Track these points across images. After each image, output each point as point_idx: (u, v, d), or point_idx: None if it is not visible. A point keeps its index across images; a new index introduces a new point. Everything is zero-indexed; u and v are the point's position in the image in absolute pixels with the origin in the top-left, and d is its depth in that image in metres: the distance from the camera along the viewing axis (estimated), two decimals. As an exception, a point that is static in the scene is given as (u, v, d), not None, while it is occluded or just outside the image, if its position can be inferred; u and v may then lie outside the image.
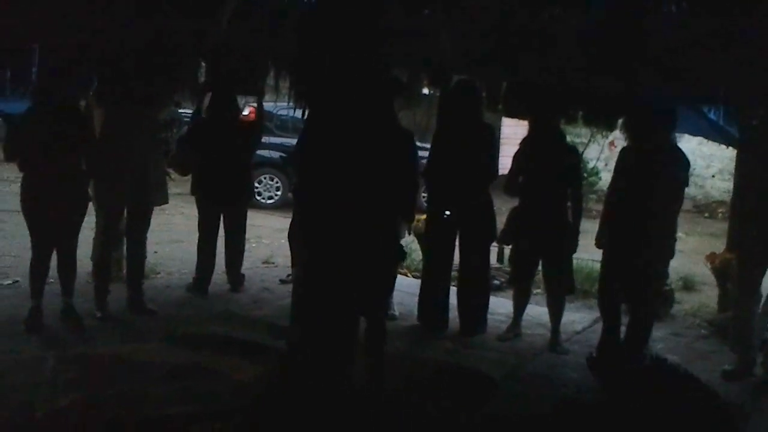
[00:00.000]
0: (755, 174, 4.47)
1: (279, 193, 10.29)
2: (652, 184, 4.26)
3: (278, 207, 9.86)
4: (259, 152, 7.54)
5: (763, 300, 4.69)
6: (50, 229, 4.48)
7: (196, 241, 5.62)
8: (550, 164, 4.71)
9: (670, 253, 4.46)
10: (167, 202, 5.38)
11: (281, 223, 7.99)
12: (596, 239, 4.61)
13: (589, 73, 4.50)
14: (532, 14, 4.22)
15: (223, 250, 5.69)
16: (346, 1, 3.42)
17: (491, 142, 4.92)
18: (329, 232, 3.53)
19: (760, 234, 4.35)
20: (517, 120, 8.72)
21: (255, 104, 6.08)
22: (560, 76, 4.63)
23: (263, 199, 10.03)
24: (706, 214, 11.62)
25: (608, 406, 3.44)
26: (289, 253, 6.52)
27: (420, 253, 5.76)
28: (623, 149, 4.63)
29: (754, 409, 4.06)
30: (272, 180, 10.28)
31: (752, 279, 4.48)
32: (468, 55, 4.72)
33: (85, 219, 4.63)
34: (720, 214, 11.15)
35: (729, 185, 10.42)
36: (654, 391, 3.34)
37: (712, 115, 5.37)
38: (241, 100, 6.06)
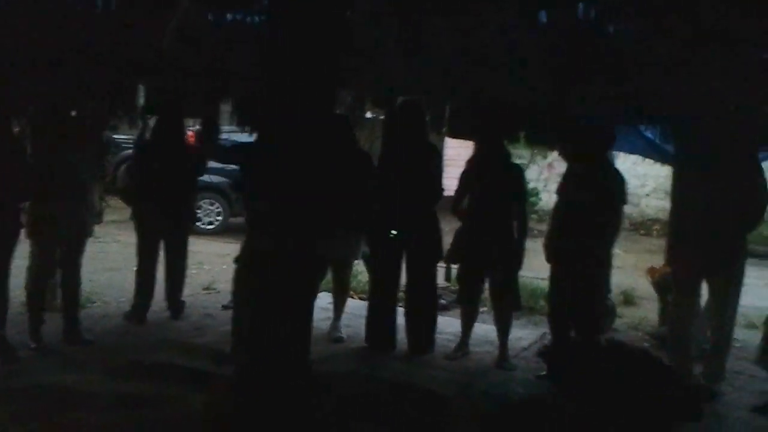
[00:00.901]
0: (688, 190, 4.61)
1: (219, 218, 10.11)
2: (589, 202, 4.38)
3: (219, 233, 9.69)
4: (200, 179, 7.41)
5: (701, 312, 4.85)
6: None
7: (133, 269, 5.48)
8: (496, 183, 4.78)
9: (609, 268, 4.62)
10: (101, 222, 5.22)
11: (222, 248, 7.85)
12: (546, 255, 4.75)
13: (531, 92, 4.61)
14: (475, 36, 4.29)
15: (163, 276, 5.54)
16: (303, 22, 3.40)
17: (436, 162, 4.94)
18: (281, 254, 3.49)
19: (693, 248, 4.48)
20: (460, 142, 8.85)
21: (199, 128, 5.97)
22: (503, 96, 4.73)
23: (203, 224, 9.82)
24: (642, 232, 11.96)
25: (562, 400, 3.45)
26: (230, 278, 6.47)
27: (366, 275, 5.74)
28: (567, 168, 4.77)
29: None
30: (212, 205, 10.10)
31: (688, 291, 4.62)
32: (413, 76, 4.77)
33: (19, 247, 4.44)
34: (655, 232, 11.49)
35: (663, 203, 10.78)
36: (613, 372, 3.35)
37: (648, 134, 5.54)
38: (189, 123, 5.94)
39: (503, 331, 4.88)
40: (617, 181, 4.63)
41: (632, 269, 7.47)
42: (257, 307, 3.57)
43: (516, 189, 4.89)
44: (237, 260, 4.18)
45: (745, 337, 5.32)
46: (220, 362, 4.30)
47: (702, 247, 4.40)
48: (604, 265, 4.71)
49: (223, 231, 9.74)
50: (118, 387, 3.88)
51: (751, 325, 5.46)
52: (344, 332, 5.22)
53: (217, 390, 3.77)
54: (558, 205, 4.76)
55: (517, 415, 3.45)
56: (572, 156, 4.75)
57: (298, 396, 3.53)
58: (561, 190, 4.75)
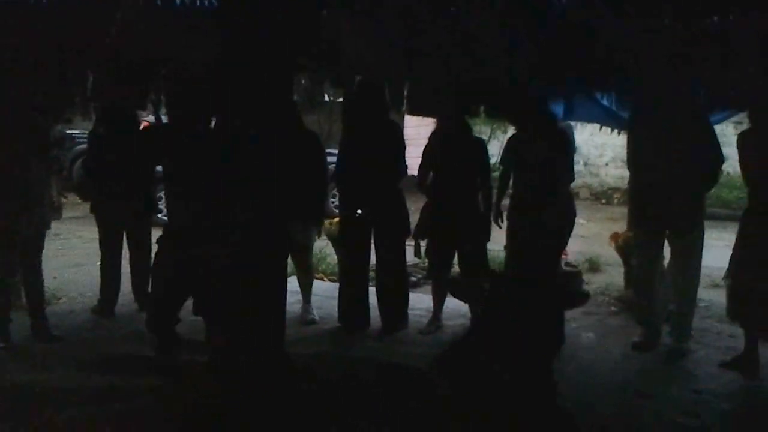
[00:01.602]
0: (645, 154, 4.70)
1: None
2: (537, 167, 4.55)
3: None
4: (159, 168, 7.27)
5: (665, 274, 4.95)
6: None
7: (98, 263, 5.38)
8: (459, 157, 4.80)
9: (570, 228, 4.72)
10: (60, 217, 5.11)
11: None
12: (493, 217, 4.94)
13: (490, 65, 4.62)
14: (430, 12, 4.28)
15: (128, 269, 5.46)
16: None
17: (398, 138, 4.93)
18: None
19: (653, 211, 4.57)
20: (419, 120, 8.86)
21: (152, 117, 5.86)
22: (461, 71, 4.73)
23: (165, 215, 9.64)
24: (603, 201, 12.16)
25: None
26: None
27: (335, 257, 5.73)
28: (512, 136, 4.85)
29: (665, 377, 4.25)
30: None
31: (650, 254, 4.72)
32: (370, 55, 4.74)
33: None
34: (616, 200, 11.69)
35: (622, 172, 10.93)
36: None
37: (604, 102, 5.60)
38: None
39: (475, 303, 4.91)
40: (566, 143, 4.86)
41: (595, 237, 7.59)
42: (227, 292, 3.55)
43: (479, 162, 4.92)
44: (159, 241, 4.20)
45: (709, 296, 5.45)
46: (192, 351, 4.27)
47: (661, 210, 4.49)
48: (562, 226, 4.81)
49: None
50: (90, 381, 3.82)
51: (714, 285, 5.58)
52: (316, 314, 5.20)
53: (192, 378, 3.76)
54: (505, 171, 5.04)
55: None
56: (517, 124, 4.87)
57: (274, 378, 3.53)
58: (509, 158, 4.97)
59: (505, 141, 11.41)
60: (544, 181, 4.63)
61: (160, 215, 8.72)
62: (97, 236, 5.35)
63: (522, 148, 4.79)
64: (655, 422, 3.61)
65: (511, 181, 4.98)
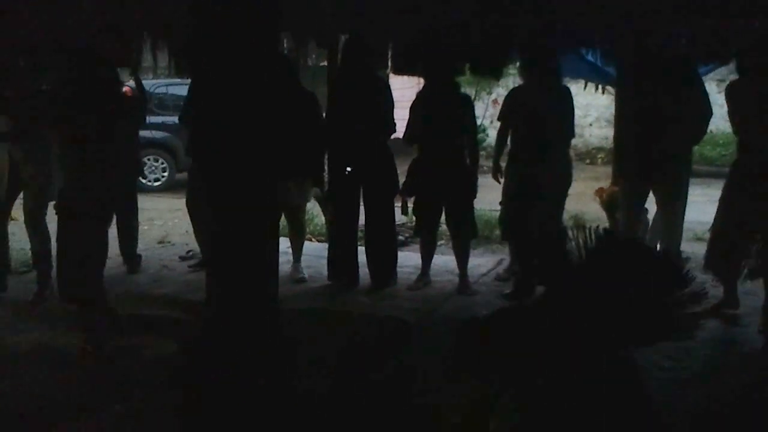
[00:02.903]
0: (632, 108, 4.74)
1: (165, 174, 9.93)
2: (545, 120, 4.51)
3: (166, 189, 9.53)
4: (142, 133, 7.23)
5: (649, 226, 5.03)
6: None
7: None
8: (446, 114, 4.81)
9: (568, 182, 4.75)
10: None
11: (171, 204, 7.73)
12: (492, 173, 4.96)
13: (472, 23, 4.62)
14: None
15: (116, 232, 5.45)
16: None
17: (386, 94, 4.92)
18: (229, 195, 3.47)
19: (639, 163, 4.62)
20: (404, 82, 8.83)
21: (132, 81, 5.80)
22: (445, 28, 4.72)
23: (149, 181, 9.64)
24: (587, 161, 12.23)
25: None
26: (184, 231, 6.40)
27: (322, 217, 5.75)
28: (513, 90, 4.84)
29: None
30: (157, 161, 9.90)
31: (636, 207, 4.79)
32: (352, 13, 4.72)
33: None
34: (600, 160, 11.77)
35: (606, 132, 11.01)
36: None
37: (589, 57, 5.63)
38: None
39: (462, 258, 4.97)
40: (569, 99, 4.81)
41: (579, 196, 7.63)
42: (223, 250, 3.57)
43: (466, 119, 4.93)
44: None
45: (692, 249, 5.52)
46: (184, 310, 4.32)
47: (648, 161, 4.54)
48: (561, 180, 4.82)
49: (170, 187, 9.57)
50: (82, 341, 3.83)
51: (697, 238, 5.67)
52: (306, 273, 5.24)
53: (187, 334, 3.80)
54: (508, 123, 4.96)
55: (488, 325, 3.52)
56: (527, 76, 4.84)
57: (268, 334, 3.57)
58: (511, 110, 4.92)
59: (489, 102, 11.47)
60: (550, 134, 4.62)
61: (145, 180, 8.83)
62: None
63: (528, 100, 4.74)
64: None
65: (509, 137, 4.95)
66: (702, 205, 5.04)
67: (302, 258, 5.33)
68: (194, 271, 5.26)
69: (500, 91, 10.44)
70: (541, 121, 4.56)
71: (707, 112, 4.56)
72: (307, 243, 5.61)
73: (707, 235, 4.53)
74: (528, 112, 4.66)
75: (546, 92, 4.63)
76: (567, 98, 4.76)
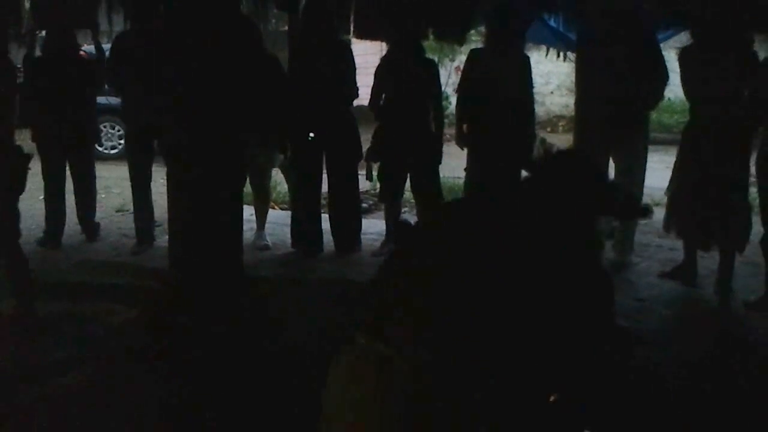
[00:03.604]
0: (591, 73, 4.77)
1: (122, 142, 9.69)
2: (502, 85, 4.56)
3: (123, 157, 9.28)
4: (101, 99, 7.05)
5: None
6: None
7: (40, 198, 5.27)
8: (411, 79, 4.77)
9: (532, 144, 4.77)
10: None
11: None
12: (456, 140, 4.94)
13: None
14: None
15: (74, 200, 5.35)
16: None
17: (349, 59, 4.86)
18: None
19: (599, 128, 4.66)
20: (367, 48, 8.73)
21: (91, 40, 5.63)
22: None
23: (106, 149, 9.41)
24: (549, 129, 12.31)
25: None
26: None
27: (285, 185, 5.70)
28: (473, 51, 4.83)
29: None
30: (113, 128, 9.66)
31: None
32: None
33: None
34: (561, 128, 11.85)
35: (567, 100, 11.07)
36: None
37: (552, 23, 5.63)
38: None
39: (426, 224, 4.97)
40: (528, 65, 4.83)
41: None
42: (188, 216, 3.52)
43: (430, 84, 4.90)
44: None
45: (650, 214, 5.64)
46: (144, 277, 4.27)
47: (607, 127, 4.59)
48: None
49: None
50: (42, 309, 3.77)
51: (655, 204, 5.76)
52: (269, 240, 5.20)
53: (142, 304, 3.76)
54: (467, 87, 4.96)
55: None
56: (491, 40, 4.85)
57: (233, 299, 3.55)
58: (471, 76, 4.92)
59: (452, 69, 11.41)
60: (518, 98, 4.64)
61: (101, 148, 8.61)
62: (40, 166, 5.19)
63: (488, 64, 4.74)
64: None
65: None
66: (660, 171, 5.12)
67: (266, 226, 5.29)
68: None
69: (463, 59, 10.39)
70: (496, 86, 4.57)
71: (664, 76, 4.61)
72: (270, 211, 5.56)
73: (665, 200, 4.61)
74: (486, 76, 4.66)
75: (506, 58, 4.63)
76: (527, 66, 4.78)
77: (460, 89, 5.03)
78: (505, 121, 4.59)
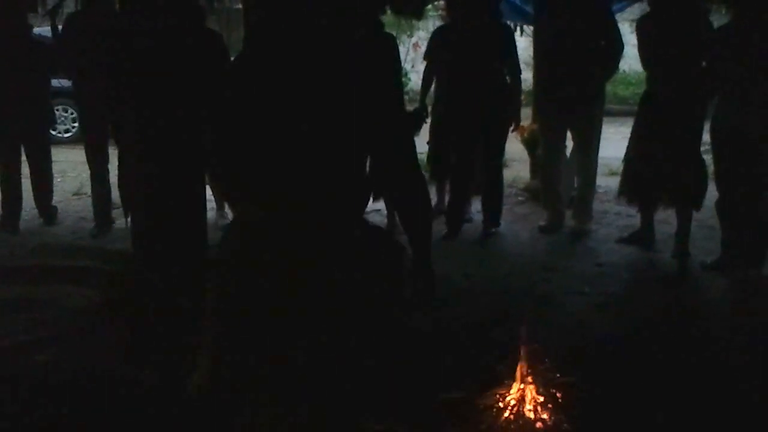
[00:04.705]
0: (548, 46, 4.81)
1: (76, 125, 9.47)
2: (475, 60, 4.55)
3: (77, 140, 9.07)
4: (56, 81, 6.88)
5: (567, 163, 5.18)
6: None
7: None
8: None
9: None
10: None
11: (84, 156, 7.40)
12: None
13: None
14: None
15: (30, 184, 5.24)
16: None
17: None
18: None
19: (557, 100, 4.72)
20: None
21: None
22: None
23: (59, 133, 9.20)
24: (507, 103, 12.36)
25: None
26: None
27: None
28: (439, 28, 4.82)
29: (569, 254, 4.53)
30: (67, 111, 9.43)
31: (554, 143, 4.92)
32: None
33: None
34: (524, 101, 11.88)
35: (525, 74, 11.08)
36: None
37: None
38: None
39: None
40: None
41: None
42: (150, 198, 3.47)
43: (388, 60, 4.87)
44: None
45: (607, 183, 5.74)
46: (104, 260, 4.20)
47: (564, 98, 4.64)
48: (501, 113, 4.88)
49: (80, 138, 9.13)
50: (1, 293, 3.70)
51: (612, 173, 5.88)
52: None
53: (101, 287, 3.72)
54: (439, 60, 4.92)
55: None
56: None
57: (197, 279, 3.52)
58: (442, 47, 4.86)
59: (411, 45, 11.38)
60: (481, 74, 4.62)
61: (55, 132, 8.42)
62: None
63: (456, 39, 4.69)
64: (561, 293, 3.87)
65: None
66: (616, 142, 5.21)
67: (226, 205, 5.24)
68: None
69: (421, 35, 10.40)
70: (469, 61, 4.56)
71: (619, 47, 4.67)
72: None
73: (621, 169, 4.69)
74: (456, 51, 4.63)
75: (476, 31, 4.61)
76: (501, 36, 4.74)
77: (427, 66, 5.00)
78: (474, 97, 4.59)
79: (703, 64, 4.12)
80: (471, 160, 4.84)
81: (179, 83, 3.40)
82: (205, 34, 4.54)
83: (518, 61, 4.81)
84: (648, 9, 4.45)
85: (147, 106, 3.40)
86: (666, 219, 4.57)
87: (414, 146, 1.77)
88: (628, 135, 4.51)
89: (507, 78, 4.79)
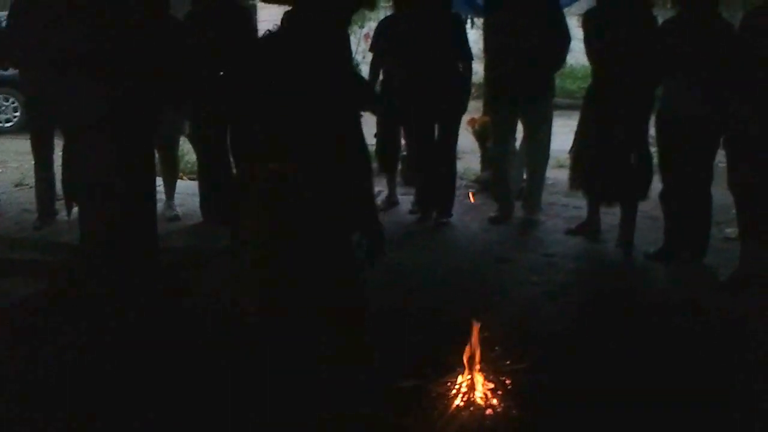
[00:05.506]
0: (497, 39, 4.86)
1: (17, 114, 9.19)
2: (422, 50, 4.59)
3: (18, 130, 8.80)
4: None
5: (517, 155, 5.25)
6: None
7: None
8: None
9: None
10: None
11: (25, 146, 7.18)
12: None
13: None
14: None
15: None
16: None
17: (250, 26, 4.70)
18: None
19: (507, 92, 4.78)
20: (272, 14, 8.55)
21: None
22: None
23: (0, 122, 8.92)
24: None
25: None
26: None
27: (193, 156, 5.55)
28: (385, 19, 4.81)
29: (519, 245, 4.59)
30: (7, 101, 9.14)
31: (504, 135, 4.98)
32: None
33: None
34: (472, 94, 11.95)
35: (476, 67, 11.14)
36: None
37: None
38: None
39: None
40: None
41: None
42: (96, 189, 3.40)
43: (342, 52, 4.85)
44: None
45: (555, 175, 5.84)
46: (49, 252, 4.10)
47: (514, 90, 4.70)
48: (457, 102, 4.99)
49: (22, 128, 8.86)
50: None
51: (560, 166, 5.97)
52: (179, 211, 5.08)
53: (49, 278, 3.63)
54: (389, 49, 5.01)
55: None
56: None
57: (147, 272, 3.47)
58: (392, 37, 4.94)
59: (362, 36, 11.29)
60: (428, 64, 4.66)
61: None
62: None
63: (403, 30, 4.75)
64: (511, 282, 3.93)
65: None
66: (564, 135, 5.28)
67: (175, 196, 5.15)
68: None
69: (372, 25, 10.33)
70: (415, 51, 4.59)
71: (566, 38, 4.74)
72: (178, 181, 5.42)
73: (569, 161, 4.78)
74: (406, 41, 4.65)
75: (425, 20, 4.62)
76: (450, 25, 4.79)
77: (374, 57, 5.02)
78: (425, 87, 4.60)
79: (648, 57, 4.21)
80: (429, 148, 4.88)
81: (133, 68, 3.33)
82: (167, 18, 4.46)
83: (469, 49, 4.85)
84: (594, 3, 4.54)
85: (97, 94, 3.32)
86: (611, 210, 4.67)
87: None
88: (575, 128, 4.59)
89: (459, 66, 4.81)
